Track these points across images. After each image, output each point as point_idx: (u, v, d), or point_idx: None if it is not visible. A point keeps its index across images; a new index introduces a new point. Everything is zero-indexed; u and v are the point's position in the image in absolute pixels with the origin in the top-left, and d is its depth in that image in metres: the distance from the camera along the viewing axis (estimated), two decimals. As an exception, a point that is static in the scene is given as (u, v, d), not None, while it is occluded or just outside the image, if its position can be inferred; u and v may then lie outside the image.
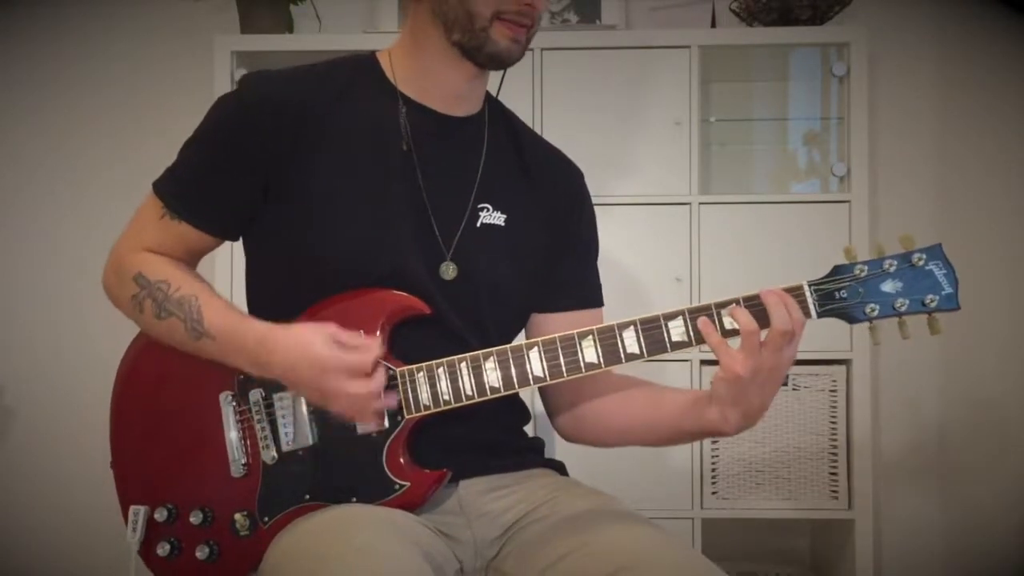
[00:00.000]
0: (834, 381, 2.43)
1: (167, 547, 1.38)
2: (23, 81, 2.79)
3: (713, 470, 2.43)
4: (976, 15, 2.71)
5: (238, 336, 1.33)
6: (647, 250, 2.41)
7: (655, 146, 2.43)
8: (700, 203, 2.42)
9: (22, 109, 2.79)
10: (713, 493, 2.43)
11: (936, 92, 2.73)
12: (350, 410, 1.29)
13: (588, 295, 1.57)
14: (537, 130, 2.36)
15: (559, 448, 1.70)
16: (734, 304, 1.27)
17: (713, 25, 2.61)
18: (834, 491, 2.42)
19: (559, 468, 1.53)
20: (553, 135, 2.37)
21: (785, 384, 2.43)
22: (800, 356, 2.35)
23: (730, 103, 2.68)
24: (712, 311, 1.28)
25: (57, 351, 2.75)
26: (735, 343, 1.27)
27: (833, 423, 2.43)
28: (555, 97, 2.43)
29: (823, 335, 2.38)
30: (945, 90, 2.73)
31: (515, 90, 2.40)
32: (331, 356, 1.26)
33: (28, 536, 2.75)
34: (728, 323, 1.28)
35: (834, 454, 2.42)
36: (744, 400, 1.29)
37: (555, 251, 1.52)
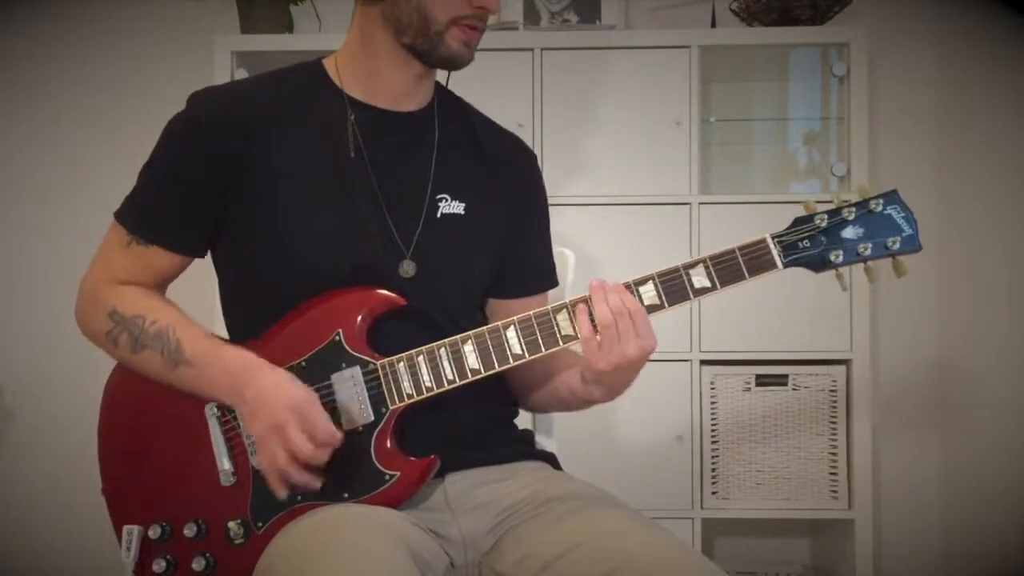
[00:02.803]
0: (834, 381, 2.43)
1: (163, 564, 1.38)
2: (23, 81, 2.79)
3: (713, 470, 2.43)
4: (976, 15, 2.71)
5: (220, 364, 1.35)
6: (647, 250, 2.40)
7: (655, 146, 2.43)
8: (700, 203, 2.42)
9: (22, 109, 2.79)
10: (713, 493, 2.43)
11: (936, 92, 2.73)
12: (284, 465, 1.30)
13: (549, 278, 1.61)
14: (537, 130, 2.39)
15: (558, 449, 1.70)
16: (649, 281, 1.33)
17: (713, 25, 2.61)
18: (834, 491, 2.42)
19: (551, 460, 1.53)
20: (553, 135, 2.39)
21: (785, 384, 2.43)
22: (800, 356, 2.40)
23: (730, 103, 2.68)
24: (680, 273, 1.32)
25: (57, 351, 2.75)
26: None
27: (833, 423, 2.43)
28: (555, 97, 2.43)
29: (823, 335, 2.40)
30: (945, 90, 2.73)
31: (515, 90, 2.42)
32: (309, 410, 1.29)
33: (28, 536, 2.75)
34: (697, 282, 1.32)
35: (834, 454, 2.42)
36: (607, 382, 1.36)
37: (516, 234, 1.54)
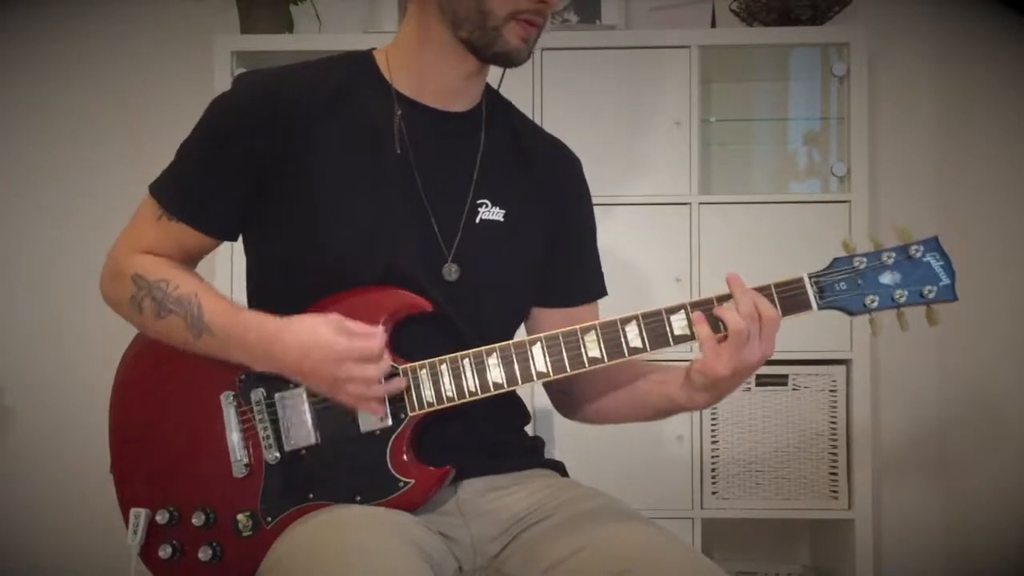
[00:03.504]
0: (834, 381, 2.43)
1: (169, 549, 1.37)
2: (23, 81, 2.79)
3: (713, 470, 2.43)
4: (976, 15, 2.71)
5: (240, 330, 1.33)
6: (647, 250, 2.41)
7: (655, 146, 2.43)
8: (700, 203, 2.42)
9: (22, 109, 2.79)
10: (713, 493, 2.43)
11: (936, 92, 2.73)
12: (359, 396, 1.30)
13: (594, 287, 1.58)
14: (537, 130, 2.38)
15: (559, 449, 1.70)
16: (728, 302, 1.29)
17: (713, 25, 2.61)
18: (834, 491, 2.42)
19: (559, 469, 1.53)
20: (553, 135, 2.37)
21: (785, 384, 2.43)
22: (800, 356, 2.40)
23: (730, 103, 2.68)
24: (713, 304, 1.29)
25: (57, 351, 2.75)
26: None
27: (833, 423, 2.43)
28: (555, 97, 2.43)
29: (823, 335, 2.40)
30: (945, 90, 2.73)
31: (515, 90, 2.39)
32: (342, 342, 1.27)
33: (28, 536, 2.74)
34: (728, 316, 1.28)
35: (834, 454, 2.42)
36: (716, 388, 1.33)
37: (558, 243, 1.52)
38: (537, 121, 2.39)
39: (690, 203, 2.41)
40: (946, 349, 2.70)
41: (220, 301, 1.37)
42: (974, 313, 2.67)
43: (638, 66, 2.45)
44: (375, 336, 1.29)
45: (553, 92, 2.43)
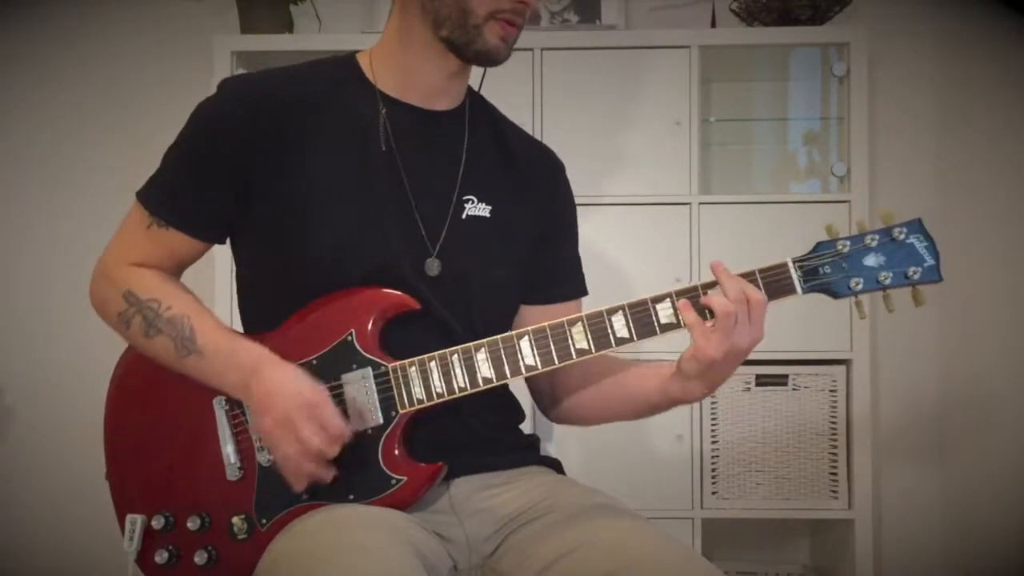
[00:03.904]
0: (834, 381, 2.43)
1: (165, 555, 1.38)
2: (23, 81, 2.79)
3: (713, 470, 2.43)
4: (976, 15, 2.71)
5: (232, 356, 1.34)
6: (647, 250, 2.41)
7: (655, 146, 2.43)
8: (700, 203, 2.42)
9: (22, 109, 2.79)
10: (713, 493, 2.43)
11: (936, 92, 2.73)
12: (295, 457, 1.29)
13: (578, 286, 1.59)
14: (537, 130, 2.39)
15: (558, 448, 1.70)
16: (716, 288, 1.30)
17: (713, 25, 2.61)
18: (834, 491, 2.42)
19: (555, 466, 1.53)
20: (553, 135, 2.38)
21: (785, 384, 2.43)
22: (800, 356, 2.40)
23: (730, 103, 2.68)
24: (699, 292, 1.30)
25: (57, 351, 2.75)
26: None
27: (833, 423, 2.43)
28: (555, 97, 2.43)
29: (823, 335, 2.40)
30: (945, 90, 2.73)
31: (515, 90, 2.42)
32: (321, 404, 1.28)
33: (28, 536, 2.75)
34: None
35: (834, 454, 2.42)
36: (710, 376, 1.33)
37: (543, 241, 1.53)
38: (537, 121, 2.42)
39: (690, 203, 2.41)
40: (946, 348, 2.70)
41: (213, 324, 1.38)
42: (974, 313, 2.67)
43: (638, 66, 2.45)
44: (342, 426, 1.29)
45: (553, 92, 2.43)
